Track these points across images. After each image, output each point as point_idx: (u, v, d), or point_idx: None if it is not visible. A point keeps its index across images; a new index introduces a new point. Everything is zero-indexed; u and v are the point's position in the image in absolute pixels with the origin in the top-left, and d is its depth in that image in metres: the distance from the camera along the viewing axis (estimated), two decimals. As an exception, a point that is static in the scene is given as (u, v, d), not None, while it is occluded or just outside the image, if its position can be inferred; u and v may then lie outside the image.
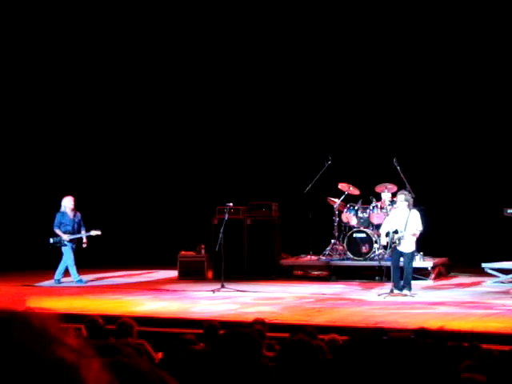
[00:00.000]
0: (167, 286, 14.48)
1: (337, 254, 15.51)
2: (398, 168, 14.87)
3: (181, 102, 18.71)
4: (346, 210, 15.47)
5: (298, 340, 3.71)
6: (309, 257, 15.75)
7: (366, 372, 1.45)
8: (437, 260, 15.22)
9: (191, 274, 15.58)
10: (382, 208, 15.21)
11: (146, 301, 12.66)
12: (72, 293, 13.55)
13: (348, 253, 15.17)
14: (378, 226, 15.22)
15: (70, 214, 14.79)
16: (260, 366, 3.53)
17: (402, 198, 13.17)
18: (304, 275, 15.74)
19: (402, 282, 12.93)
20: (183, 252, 15.90)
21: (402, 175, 14.85)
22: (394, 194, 15.29)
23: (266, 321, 8.14)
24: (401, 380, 1.45)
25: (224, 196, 15.54)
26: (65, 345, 1.25)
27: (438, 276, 15.18)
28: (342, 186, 15.66)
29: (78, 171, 18.30)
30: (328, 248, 15.63)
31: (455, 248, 15.65)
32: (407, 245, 12.95)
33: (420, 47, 17.18)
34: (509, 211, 13.95)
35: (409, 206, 13.08)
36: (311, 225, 15.57)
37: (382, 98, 17.56)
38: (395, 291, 12.73)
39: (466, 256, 15.62)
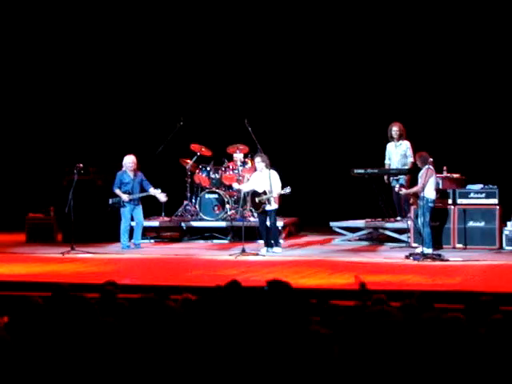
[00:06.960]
0: (14, 249, 14.05)
1: (189, 214, 15.54)
2: (250, 129, 14.99)
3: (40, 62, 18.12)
4: (198, 171, 15.50)
5: (145, 298, 3.67)
6: (161, 218, 15.69)
7: (216, 322, 1.42)
8: (287, 220, 15.52)
9: (40, 236, 15.19)
10: (233, 169, 15.33)
11: (-8, 264, 12.22)
12: None
13: (200, 213, 15.23)
14: (229, 187, 15.35)
15: (131, 173, 14.38)
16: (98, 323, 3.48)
17: (258, 159, 13.40)
18: (156, 236, 15.70)
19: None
20: (31, 214, 15.46)
21: (253, 136, 14.98)
22: (245, 155, 15.45)
23: (118, 282, 8.02)
24: (252, 329, 1.43)
25: (74, 156, 15.16)
26: None
27: (289, 235, 15.51)
28: (194, 147, 15.66)
29: None
30: (180, 209, 15.64)
31: (305, 208, 16.00)
32: (273, 203, 13.22)
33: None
34: (356, 171, 14.34)
35: (266, 166, 13.30)
36: (163, 186, 15.47)
37: (231, 58, 17.57)
38: (264, 251, 12.98)
39: (315, 215, 16.01)
